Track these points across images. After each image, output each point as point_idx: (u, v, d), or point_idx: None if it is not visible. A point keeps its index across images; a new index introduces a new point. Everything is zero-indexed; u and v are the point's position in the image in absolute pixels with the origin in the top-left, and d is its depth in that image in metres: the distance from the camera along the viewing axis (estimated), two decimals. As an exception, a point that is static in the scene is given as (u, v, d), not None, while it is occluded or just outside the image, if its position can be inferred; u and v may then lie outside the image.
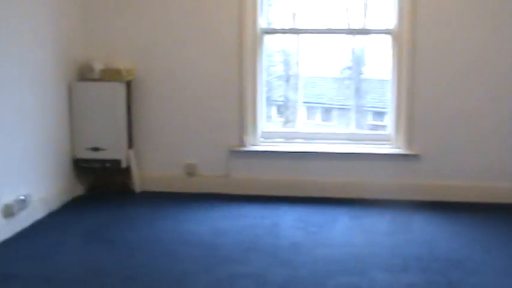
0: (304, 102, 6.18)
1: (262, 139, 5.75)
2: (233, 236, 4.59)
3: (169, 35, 5.61)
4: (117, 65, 5.58)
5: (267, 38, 5.75)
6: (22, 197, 4.71)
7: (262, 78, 5.71)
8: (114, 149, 5.55)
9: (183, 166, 5.74)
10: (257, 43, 5.58)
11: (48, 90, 5.18)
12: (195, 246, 4.39)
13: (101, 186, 5.82)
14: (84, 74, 5.56)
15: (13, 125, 4.67)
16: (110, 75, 5.48)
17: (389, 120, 5.69)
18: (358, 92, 5.85)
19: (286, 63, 6.09)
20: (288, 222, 4.94)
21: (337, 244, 4.44)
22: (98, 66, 5.52)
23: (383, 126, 5.90)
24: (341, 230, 4.75)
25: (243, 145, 5.63)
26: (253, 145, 5.68)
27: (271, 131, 5.86)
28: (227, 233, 4.66)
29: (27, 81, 4.85)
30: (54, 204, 5.23)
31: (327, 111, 6.53)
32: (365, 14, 5.67)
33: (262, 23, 5.61)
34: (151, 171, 5.80)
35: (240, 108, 5.60)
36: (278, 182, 5.60)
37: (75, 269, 4.00)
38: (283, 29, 5.92)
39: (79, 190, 5.67)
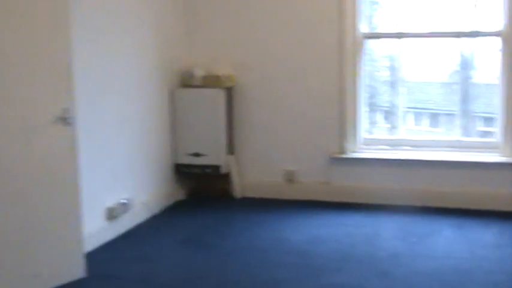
0: (411, 108, 5.98)
1: (363, 146, 5.60)
2: (330, 245, 4.50)
3: (269, 41, 5.60)
4: (218, 71, 5.63)
5: (371, 43, 5.61)
6: (124, 201, 4.84)
7: (364, 83, 5.57)
8: (214, 154, 5.59)
9: (283, 173, 5.69)
10: (358, 48, 5.45)
11: (151, 97, 5.31)
12: (291, 254, 4.33)
13: (201, 192, 5.88)
14: (186, 81, 5.65)
15: (117, 131, 4.81)
16: (211, 81, 5.54)
17: (497, 128, 5.38)
18: (466, 97, 5.57)
19: (392, 68, 5.91)
20: (388, 231, 4.78)
21: (438, 256, 4.23)
22: (199, 73, 5.60)
23: (493, 133, 5.59)
24: (443, 242, 4.53)
25: (344, 152, 5.51)
26: (354, 152, 5.54)
27: (374, 137, 5.70)
28: (324, 242, 4.56)
29: (131, 87, 5.00)
30: (155, 208, 5.34)
31: (434, 117, 6.28)
32: (473, 16, 5.39)
33: (363, 27, 5.47)
34: (251, 177, 5.80)
35: (341, 115, 5.49)
36: (379, 190, 5.43)
37: (171, 273, 4.05)
38: (388, 33, 5.74)
39: (180, 195, 5.76)
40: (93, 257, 4.21)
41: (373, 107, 5.84)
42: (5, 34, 3.47)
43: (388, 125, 5.92)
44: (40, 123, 3.66)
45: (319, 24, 5.45)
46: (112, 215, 4.71)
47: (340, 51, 5.40)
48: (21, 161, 3.60)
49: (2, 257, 3.54)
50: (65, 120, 3.74)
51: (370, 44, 5.61)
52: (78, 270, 3.91)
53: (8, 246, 3.56)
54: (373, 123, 5.89)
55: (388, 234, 4.72)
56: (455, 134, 5.60)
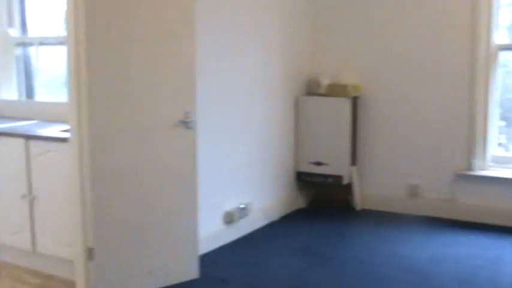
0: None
1: (492, 163, 5.30)
2: (450, 266, 4.29)
3: (397, 52, 5.46)
4: (344, 81, 5.57)
5: (505, 55, 5.30)
6: (243, 206, 4.90)
7: (496, 98, 5.27)
8: (336, 164, 5.53)
9: (406, 186, 5.52)
10: (491, 60, 5.16)
11: (275, 103, 5.35)
12: (407, 272, 4.18)
13: (321, 201, 5.84)
14: (311, 89, 5.64)
15: (240, 136, 4.90)
16: (336, 90, 5.49)
17: None
18: None
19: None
20: (514, 256, 4.50)
21: None
22: (325, 81, 5.57)
23: None
24: None
25: (471, 169, 5.25)
26: (482, 169, 5.26)
27: (504, 155, 5.37)
28: (444, 262, 4.36)
29: (256, 93, 5.06)
30: (274, 215, 5.36)
31: None
32: None
33: (497, 38, 5.18)
34: (372, 189, 5.67)
35: (470, 129, 5.22)
36: (506, 211, 5.11)
37: (281, 281, 4.05)
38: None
39: (300, 203, 5.76)
40: (208, 259, 4.30)
41: (510, 123, 5.50)
42: (142, 41, 3.64)
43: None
44: (164, 126, 3.79)
45: (450, 33, 5.23)
46: (230, 219, 4.79)
47: (472, 63, 5.15)
48: (146, 161, 3.75)
49: (120, 252, 3.70)
50: (187, 124, 3.85)
51: (507, 55, 5.29)
52: (191, 271, 4.01)
53: (127, 241, 3.72)
54: (510, 139, 5.54)
55: (513, 259, 4.45)
56: None
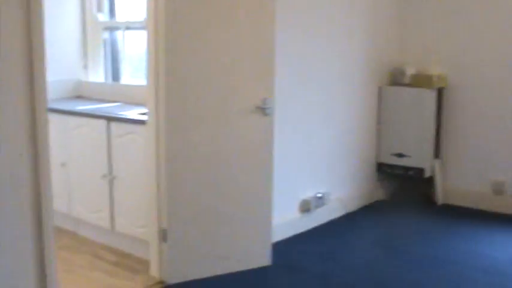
0: None
1: None
2: (533, 269, 4.09)
3: (486, 42, 5.21)
4: (429, 71, 5.39)
5: None
6: (320, 195, 4.84)
7: None
8: (418, 157, 5.38)
9: (491, 183, 5.28)
10: None
11: (358, 93, 5.25)
12: (486, 273, 4.00)
13: (401, 194, 5.70)
14: (395, 79, 5.49)
15: (320, 124, 4.85)
16: (421, 81, 5.32)
17: None
18: None
19: None
20: None
21: None
22: (410, 71, 5.40)
23: None
24: None
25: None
26: None
27: None
28: (528, 263, 4.17)
29: (337, 82, 4.98)
30: (352, 206, 5.28)
31: None
32: None
33: None
34: (455, 184, 5.48)
35: None
36: None
37: (354, 273, 3.98)
38: None
39: (379, 195, 5.64)
40: (281, 247, 4.28)
41: None
42: (220, 26, 3.65)
43: None
44: (241, 111, 3.79)
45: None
46: (306, 207, 4.75)
47: None
48: (222, 145, 3.77)
49: (193, 235, 3.74)
50: (264, 110, 3.83)
51: None
52: (263, 258, 4.01)
53: (200, 225, 3.76)
54: None
55: None
56: None
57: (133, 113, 4.27)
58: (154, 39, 3.56)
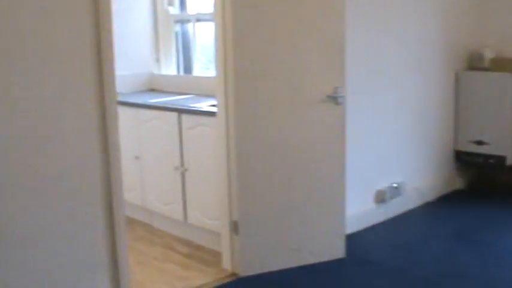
0: None
1: None
2: None
3: None
4: (510, 54, 5.13)
5: None
6: (395, 185, 4.71)
7: None
8: (499, 144, 5.14)
9: None
10: None
11: (433, 78, 5.06)
12: None
13: (481, 183, 5.48)
14: (473, 63, 5.27)
15: (393, 112, 4.70)
16: (501, 65, 5.08)
17: None
18: None
19: None
20: None
21: None
22: (489, 55, 5.17)
23: None
24: None
25: None
26: None
27: None
28: None
29: (411, 68, 4.82)
30: (429, 196, 5.11)
31: None
32: None
33: None
34: (540, 172, 5.22)
35: None
36: None
37: (433, 266, 3.84)
38: None
39: (458, 184, 5.44)
40: (356, 239, 4.20)
41: None
42: (289, 15, 3.58)
43: None
44: (312, 101, 3.71)
45: None
46: (381, 198, 4.64)
47: None
48: (293, 136, 3.71)
49: (265, 227, 3.71)
50: (336, 99, 3.74)
51: None
52: (337, 251, 3.93)
53: (272, 217, 3.72)
54: None
55: None
56: None
57: (205, 105, 4.26)
58: (222, 30, 3.53)
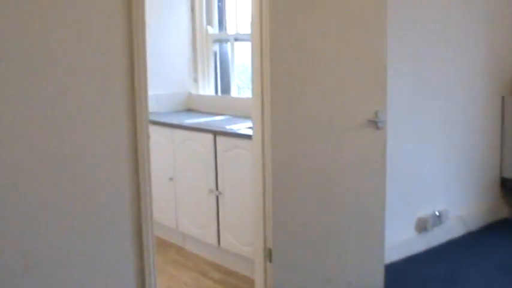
0: None
1: None
2: None
3: None
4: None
5: None
6: (437, 213, 4.54)
7: None
8: (548, 172, 4.93)
9: None
10: None
11: (478, 103, 4.89)
12: None
13: (529, 212, 5.26)
14: (520, 87, 5.08)
15: (436, 137, 4.56)
16: (551, 89, 4.88)
17: None
18: None
19: None
20: None
21: None
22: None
23: None
24: None
25: None
26: None
27: None
28: None
29: (454, 92, 4.66)
30: (473, 225, 4.91)
31: None
32: None
33: None
34: None
35: None
36: None
37: (476, 301, 3.66)
38: None
39: (503, 213, 5.22)
40: (395, 269, 4.04)
41: None
42: (327, 37, 3.48)
43: None
44: (351, 125, 3.58)
45: None
46: (423, 226, 4.47)
47: None
48: (330, 161, 3.56)
49: (299, 255, 3.55)
50: (376, 123, 3.61)
51: None
52: (376, 282, 3.76)
53: (307, 245, 3.55)
54: None
55: None
56: None
57: (241, 127, 4.17)
58: (259, 51, 3.42)
